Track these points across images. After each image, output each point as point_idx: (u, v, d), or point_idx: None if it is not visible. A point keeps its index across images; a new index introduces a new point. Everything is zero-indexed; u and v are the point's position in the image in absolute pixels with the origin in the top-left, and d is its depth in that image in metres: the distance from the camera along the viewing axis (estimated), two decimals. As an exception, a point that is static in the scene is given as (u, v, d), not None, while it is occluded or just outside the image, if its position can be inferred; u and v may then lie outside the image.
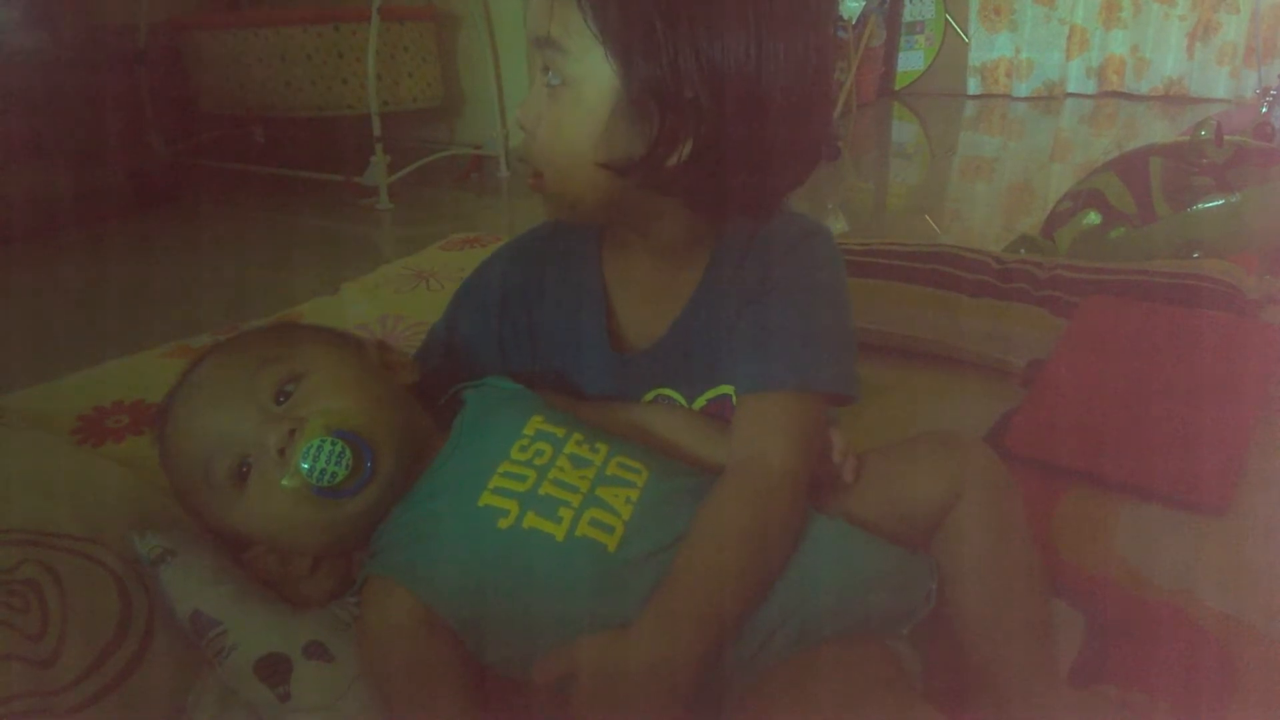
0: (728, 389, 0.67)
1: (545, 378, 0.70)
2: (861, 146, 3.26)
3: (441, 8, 2.73)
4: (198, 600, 0.60)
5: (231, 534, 0.62)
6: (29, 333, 1.56)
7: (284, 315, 1.25)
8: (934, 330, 1.10)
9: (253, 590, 0.62)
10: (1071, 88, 3.90)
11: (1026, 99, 3.92)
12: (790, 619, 0.54)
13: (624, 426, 0.66)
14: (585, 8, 0.55)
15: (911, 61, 4.20)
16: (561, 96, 0.58)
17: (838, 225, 2.14)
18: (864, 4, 3.32)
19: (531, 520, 0.55)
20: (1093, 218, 1.43)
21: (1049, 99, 3.90)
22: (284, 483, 0.56)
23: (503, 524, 0.55)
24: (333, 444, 0.56)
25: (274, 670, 0.56)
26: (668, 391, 0.69)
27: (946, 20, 4.06)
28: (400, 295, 1.30)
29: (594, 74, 0.56)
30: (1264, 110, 2.39)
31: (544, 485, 0.57)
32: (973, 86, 4.08)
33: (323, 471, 0.55)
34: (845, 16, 3.27)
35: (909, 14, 4.10)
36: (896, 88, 4.22)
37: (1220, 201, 1.33)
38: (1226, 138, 1.35)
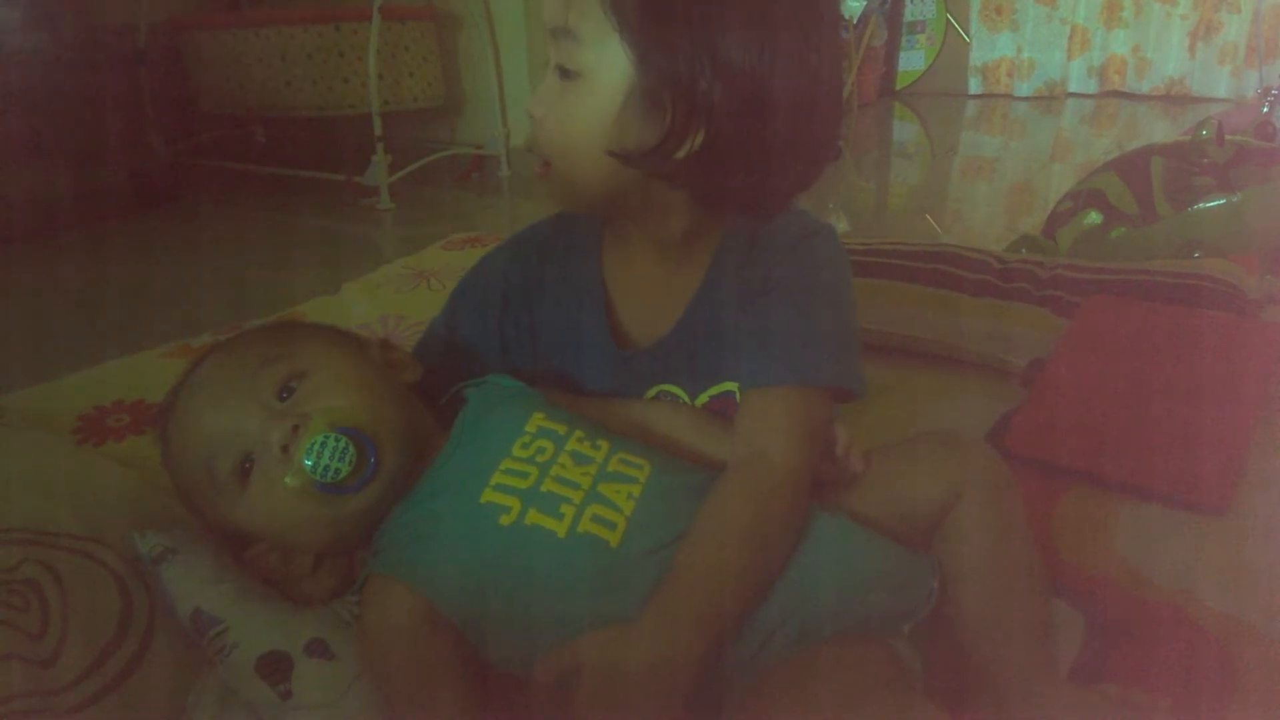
0: (731, 386, 0.67)
1: (546, 375, 0.70)
2: (863, 146, 3.26)
3: (442, 7, 2.73)
4: (199, 599, 0.60)
5: (234, 532, 0.62)
6: (29, 333, 1.56)
7: (285, 315, 1.25)
8: (935, 330, 1.10)
9: (254, 589, 0.62)
10: (1073, 87, 3.90)
11: (1028, 99, 3.92)
12: (790, 618, 0.54)
13: (626, 423, 0.66)
14: (606, 2, 0.55)
15: (912, 61, 4.20)
16: (575, 86, 0.59)
17: (839, 225, 2.14)
18: (865, 4, 3.32)
19: (533, 517, 0.55)
20: (1094, 217, 1.43)
21: (1050, 99, 3.90)
22: (287, 480, 0.56)
23: (504, 521, 0.56)
24: (336, 440, 0.56)
25: (275, 668, 0.56)
26: (670, 388, 0.69)
27: (948, 20, 4.06)
28: (401, 295, 1.30)
29: (609, 63, 0.57)
30: (1265, 110, 2.39)
31: (546, 482, 0.57)
32: (974, 86, 4.08)
33: (326, 468, 0.56)
34: (846, 16, 3.27)
35: (910, 14, 4.10)
36: (897, 87, 4.22)
37: (1221, 201, 1.33)
38: (1228, 137, 1.35)
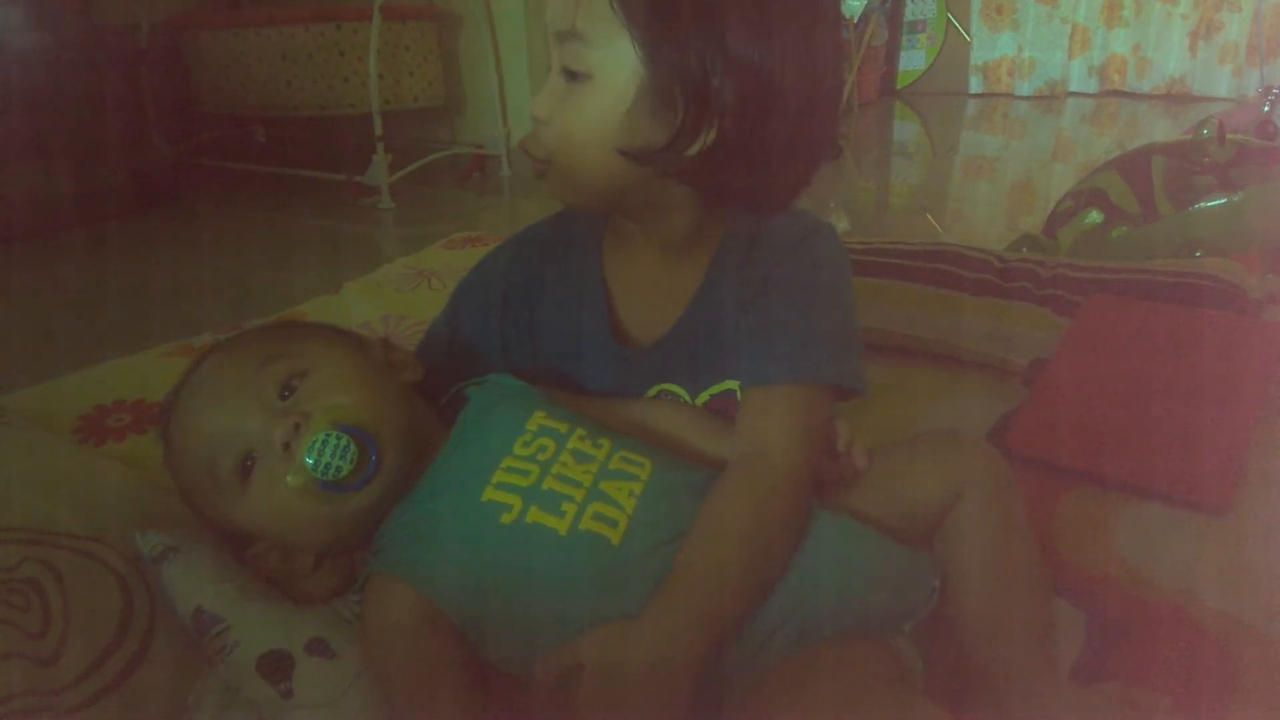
0: (731, 384, 0.67)
1: (547, 375, 0.70)
2: (863, 145, 3.26)
3: (443, 7, 2.73)
4: (200, 597, 0.60)
5: (235, 531, 0.62)
6: (30, 332, 1.56)
7: (286, 314, 1.26)
8: (936, 329, 1.10)
9: (255, 587, 0.62)
10: (1073, 87, 3.90)
11: (1028, 98, 3.92)
12: (791, 618, 0.54)
13: (626, 422, 0.67)
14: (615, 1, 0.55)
15: (913, 60, 4.20)
16: (584, 87, 0.59)
17: (840, 224, 2.14)
18: (866, 3, 3.32)
19: (535, 515, 0.55)
20: (1095, 217, 1.43)
21: (1051, 98, 3.90)
22: (289, 478, 0.56)
23: (506, 519, 0.56)
24: (337, 438, 0.56)
25: (276, 667, 0.56)
26: (671, 387, 0.69)
27: (948, 19, 4.06)
28: (402, 294, 1.30)
29: (619, 63, 0.57)
30: (1266, 109, 2.38)
31: (547, 480, 0.57)
32: (974, 85, 4.08)
33: (327, 466, 0.56)
34: (847, 16, 3.27)
35: (911, 13, 4.10)
36: (898, 87, 4.22)
37: (1222, 200, 1.33)
38: (1229, 136, 1.35)
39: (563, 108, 0.60)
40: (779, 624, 0.54)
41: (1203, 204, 1.34)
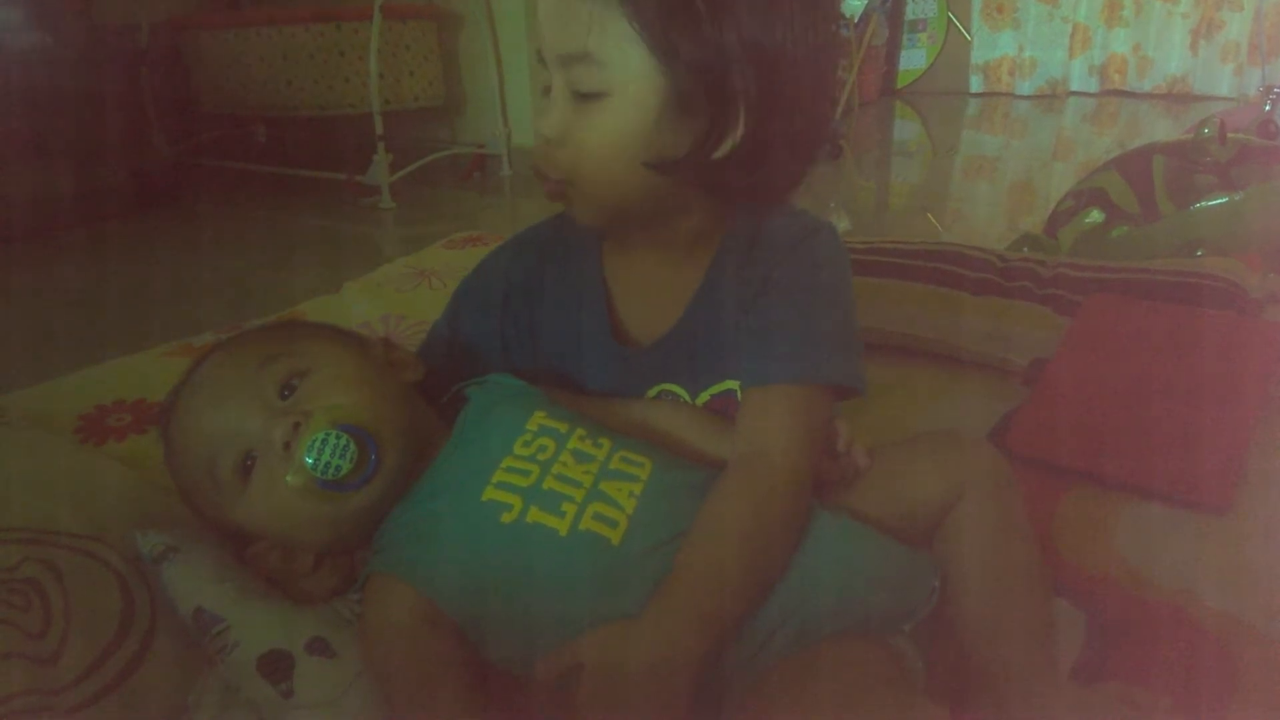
0: (732, 384, 0.67)
1: (548, 374, 0.70)
2: (863, 145, 3.26)
3: (443, 7, 2.73)
4: (200, 597, 0.60)
5: (235, 531, 0.62)
6: (30, 332, 1.56)
7: (286, 314, 1.26)
8: (936, 329, 1.10)
9: (255, 587, 0.62)
10: (1074, 86, 3.90)
11: (1029, 97, 3.92)
12: (791, 618, 0.54)
13: (626, 422, 0.66)
14: (626, 12, 0.55)
15: (914, 60, 4.20)
16: (600, 106, 0.58)
17: (840, 224, 2.14)
18: (866, 2, 3.32)
19: (535, 515, 0.55)
20: (1095, 216, 1.43)
21: (1052, 97, 3.90)
22: (288, 477, 0.56)
23: (506, 519, 0.56)
24: (337, 438, 0.56)
25: (276, 667, 0.56)
26: (671, 387, 0.69)
27: (949, 18, 4.06)
28: (402, 294, 1.30)
29: (637, 77, 0.57)
30: (1267, 108, 2.38)
31: (547, 480, 0.57)
32: (975, 85, 4.08)
33: (327, 465, 0.56)
34: (848, 14, 3.26)
35: (911, 12, 4.10)
36: (898, 86, 4.22)
37: (1223, 200, 1.33)
38: (1230, 135, 1.35)
39: (577, 127, 0.59)
40: (779, 624, 0.54)
41: (1204, 203, 1.34)
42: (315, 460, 0.55)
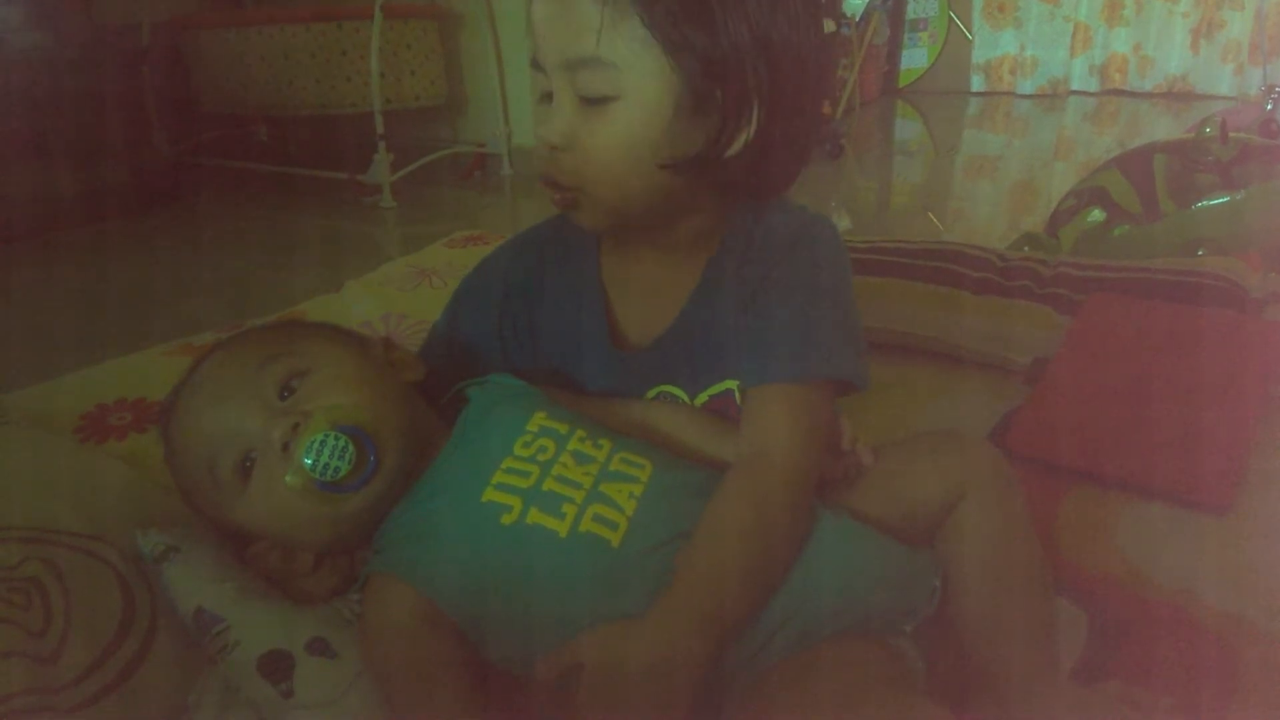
0: (730, 384, 0.67)
1: (548, 374, 0.70)
2: (864, 144, 3.26)
3: (445, 6, 2.73)
4: (200, 597, 0.60)
5: (235, 530, 0.62)
6: (31, 331, 1.57)
7: (287, 313, 1.26)
8: (937, 328, 1.10)
9: (255, 587, 0.62)
10: (1075, 85, 3.90)
11: (1030, 96, 3.92)
12: (792, 617, 0.54)
13: (626, 423, 0.66)
14: (638, 13, 0.55)
15: (915, 59, 4.19)
16: (611, 109, 0.57)
17: (841, 223, 2.14)
18: (867, 1, 3.32)
19: (535, 516, 0.55)
20: (1097, 215, 1.43)
21: (1053, 96, 3.90)
22: (287, 478, 0.56)
23: (506, 520, 0.55)
24: (336, 439, 0.56)
25: (276, 667, 0.56)
26: (669, 388, 0.69)
27: (950, 17, 4.06)
28: (403, 293, 1.30)
29: (651, 77, 0.56)
30: (1269, 107, 2.38)
31: (547, 481, 0.57)
32: (976, 84, 4.07)
33: (326, 466, 0.56)
34: (849, 13, 3.26)
35: (912, 11, 4.10)
36: (900, 85, 4.22)
37: (1224, 199, 1.32)
38: (1231, 135, 1.35)
39: (586, 133, 0.58)
40: (780, 624, 0.54)
41: (1205, 202, 1.33)
42: (314, 461, 0.55)
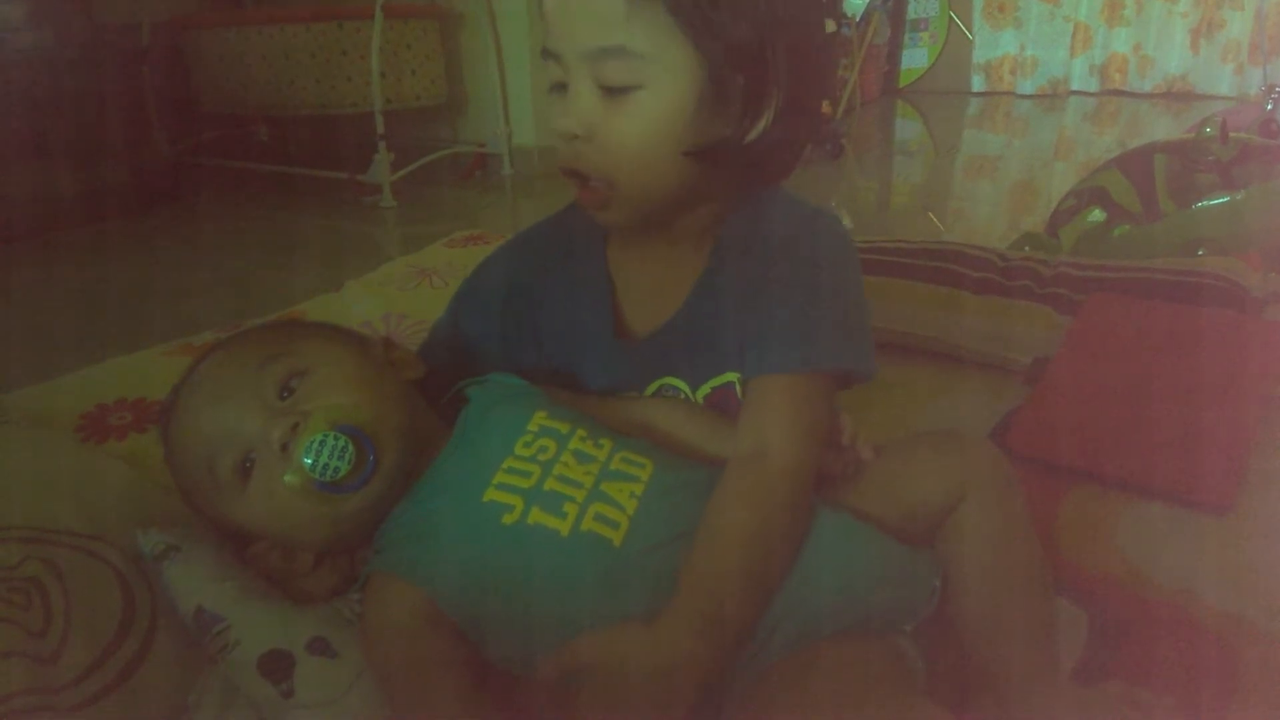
0: (732, 376, 0.67)
1: (549, 374, 0.70)
2: (865, 144, 3.26)
3: (445, 6, 2.73)
4: (201, 596, 0.60)
5: (235, 530, 0.62)
6: (31, 331, 1.57)
7: (287, 313, 1.26)
8: (937, 328, 1.10)
9: (256, 586, 0.62)
10: (1075, 85, 3.90)
11: (1030, 96, 3.92)
12: (791, 617, 0.54)
13: (627, 422, 0.66)
14: (662, 0, 0.55)
15: (915, 59, 4.20)
16: (634, 98, 0.58)
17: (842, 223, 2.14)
18: (868, 1, 3.32)
19: (536, 516, 0.55)
20: (1097, 215, 1.43)
21: (1053, 96, 3.90)
22: (286, 478, 0.56)
23: (507, 520, 0.55)
24: (335, 439, 0.56)
25: (277, 666, 0.56)
26: (672, 381, 0.69)
27: (950, 17, 4.06)
28: (403, 293, 1.30)
29: (674, 66, 0.57)
30: (1269, 107, 2.38)
31: (548, 481, 0.57)
32: (977, 84, 4.08)
33: (325, 466, 0.56)
34: (849, 13, 3.26)
35: (913, 11, 4.10)
36: (900, 85, 4.22)
37: (1225, 199, 1.32)
38: (1231, 135, 1.35)
39: (609, 123, 0.58)
40: (779, 623, 0.54)
41: (1205, 202, 1.33)
42: (313, 461, 0.55)
